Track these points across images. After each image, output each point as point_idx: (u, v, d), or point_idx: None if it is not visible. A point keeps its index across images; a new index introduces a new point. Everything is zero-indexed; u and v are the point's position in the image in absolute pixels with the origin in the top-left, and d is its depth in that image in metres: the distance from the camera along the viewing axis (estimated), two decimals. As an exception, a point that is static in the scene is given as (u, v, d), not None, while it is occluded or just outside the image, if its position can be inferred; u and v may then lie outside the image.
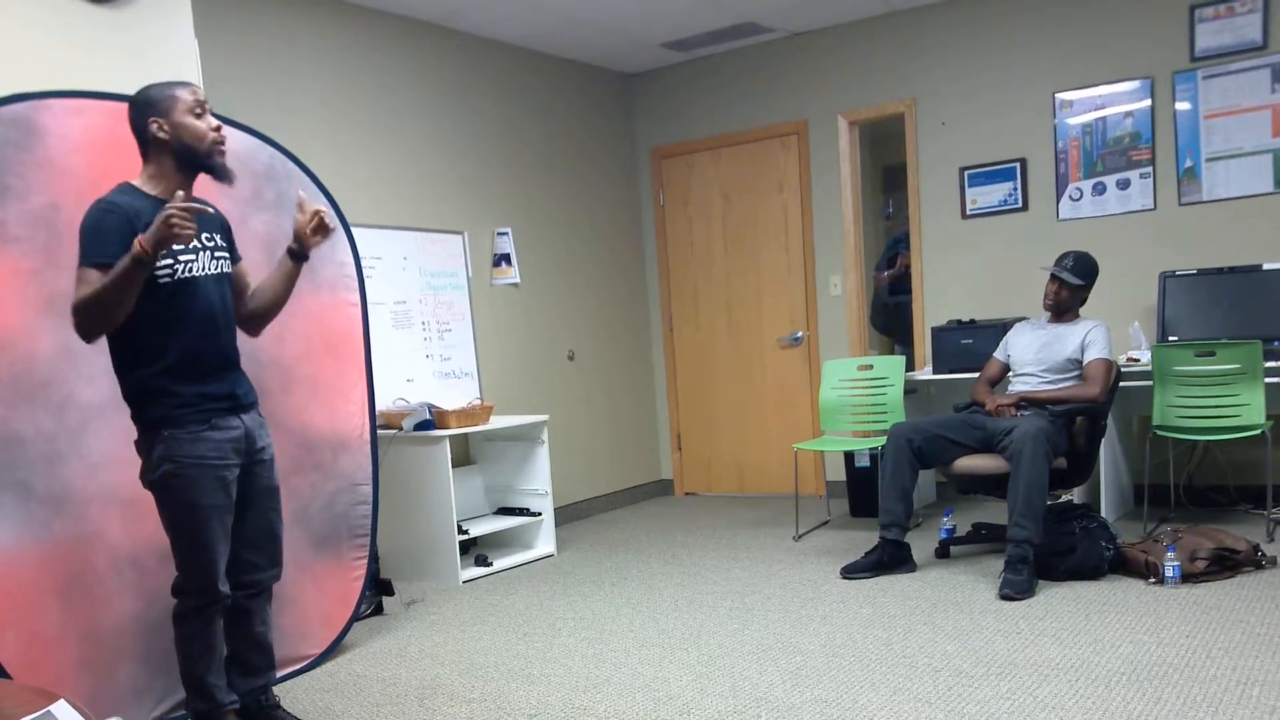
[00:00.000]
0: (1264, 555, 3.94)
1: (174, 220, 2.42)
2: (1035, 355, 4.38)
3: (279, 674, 3.23)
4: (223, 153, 2.72)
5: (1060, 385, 4.30)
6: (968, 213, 5.62)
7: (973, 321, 5.26)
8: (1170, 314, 4.91)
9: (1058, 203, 5.38)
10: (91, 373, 3.02)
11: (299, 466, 3.53)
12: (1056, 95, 5.33)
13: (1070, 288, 4.35)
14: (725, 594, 4.17)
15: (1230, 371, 4.36)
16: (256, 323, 2.98)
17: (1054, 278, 4.37)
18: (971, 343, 5.05)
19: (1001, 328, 4.83)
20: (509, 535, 5.21)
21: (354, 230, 3.96)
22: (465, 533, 4.80)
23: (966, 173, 5.60)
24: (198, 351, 2.71)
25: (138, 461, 2.79)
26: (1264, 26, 4.81)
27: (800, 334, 6.23)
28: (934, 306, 5.76)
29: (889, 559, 4.26)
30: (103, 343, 2.67)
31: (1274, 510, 4.56)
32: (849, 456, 5.58)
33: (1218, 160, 4.97)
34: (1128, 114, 5.16)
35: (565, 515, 5.93)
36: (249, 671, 2.97)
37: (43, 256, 2.95)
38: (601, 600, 4.22)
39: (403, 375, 5.00)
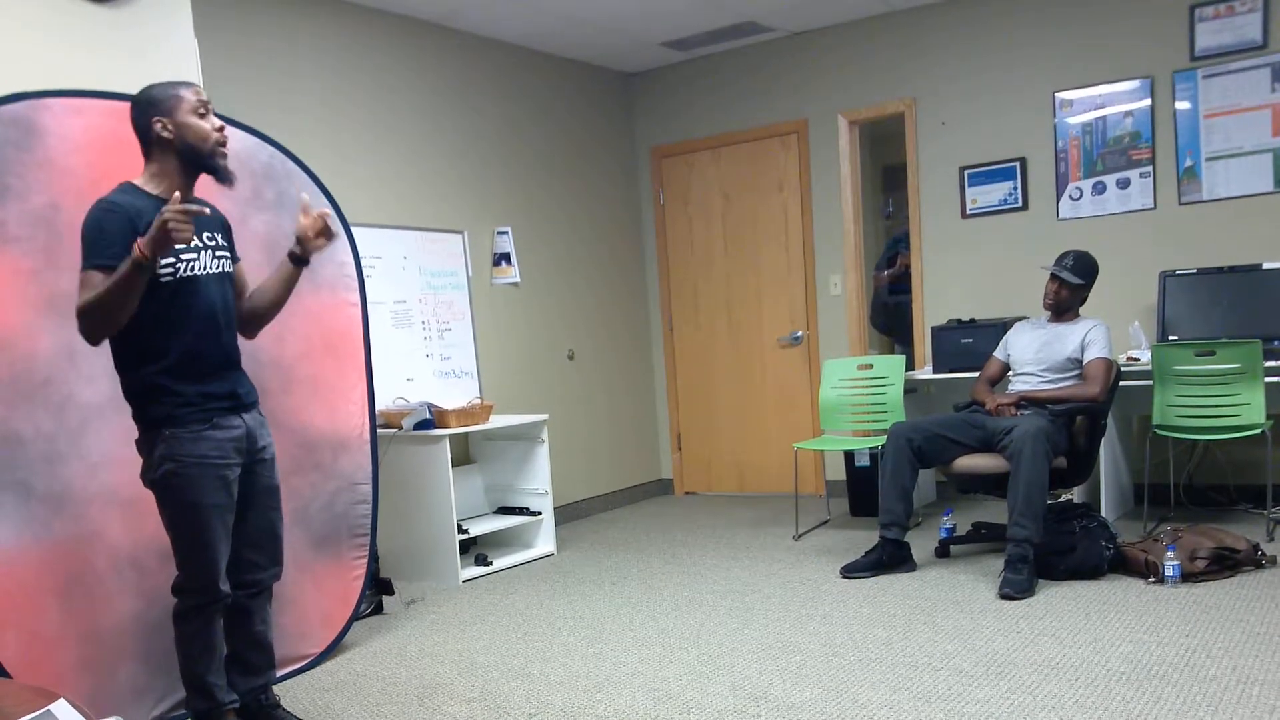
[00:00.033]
0: (1264, 555, 3.94)
1: (171, 224, 2.42)
2: (1035, 355, 4.38)
3: (279, 673, 3.24)
4: (225, 154, 2.73)
5: (1060, 385, 4.30)
6: (968, 212, 5.62)
7: (973, 321, 5.26)
8: (1170, 313, 4.91)
9: (1058, 202, 5.38)
10: (91, 372, 3.02)
11: (299, 466, 3.53)
12: (1056, 94, 5.33)
13: (1070, 287, 4.35)
14: (725, 593, 4.17)
15: (1230, 371, 4.36)
16: (253, 324, 2.98)
17: (1054, 277, 4.37)
18: (971, 342, 5.05)
19: (1001, 327, 4.83)
20: (509, 535, 5.21)
21: (354, 229, 3.96)
22: (465, 532, 4.80)
23: (966, 172, 5.60)
24: (199, 351, 2.71)
25: (138, 461, 2.79)
26: (1264, 26, 4.81)
27: (800, 333, 6.23)
28: (934, 306, 5.76)
29: (889, 558, 4.26)
30: (103, 343, 2.67)
31: (1274, 510, 4.56)
32: (849, 456, 5.58)
33: (1218, 160, 4.97)
34: (1128, 113, 5.16)
35: (565, 515, 5.93)
36: (249, 671, 2.97)
37: (43, 256, 2.95)
38: (601, 599, 4.22)
39: (403, 375, 5.00)
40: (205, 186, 2.81)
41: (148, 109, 2.66)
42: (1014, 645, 3.28)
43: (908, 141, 5.77)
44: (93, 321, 2.54)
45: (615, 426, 6.44)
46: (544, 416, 5.06)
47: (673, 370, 6.71)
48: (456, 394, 5.17)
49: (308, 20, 4.76)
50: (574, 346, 6.16)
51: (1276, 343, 4.57)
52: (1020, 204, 5.47)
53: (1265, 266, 4.74)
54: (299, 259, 2.93)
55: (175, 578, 2.78)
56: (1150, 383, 4.55)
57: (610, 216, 6.47)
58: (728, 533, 5.38)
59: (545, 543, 5.12)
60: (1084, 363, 4.28)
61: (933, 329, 5.29)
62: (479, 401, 5.01)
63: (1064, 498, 4.70)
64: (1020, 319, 4.85)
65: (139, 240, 2.46)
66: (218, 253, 2.79)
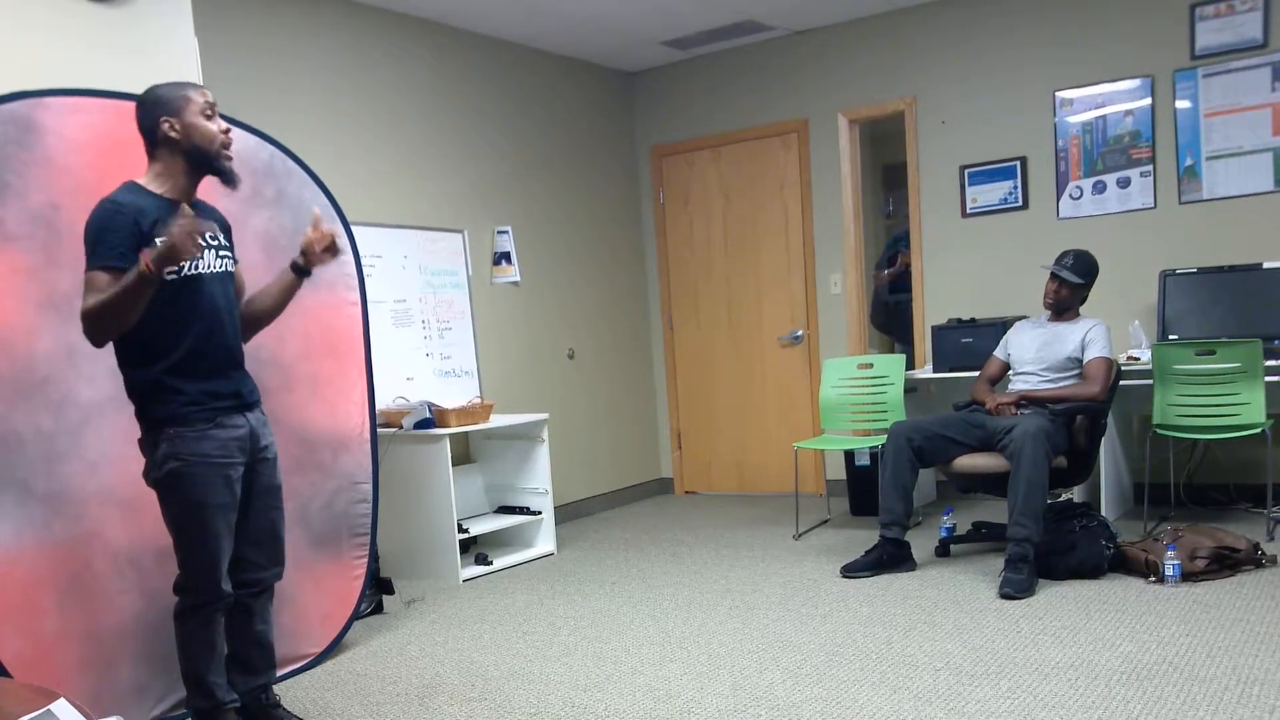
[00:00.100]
0: (1264, 554, 3.94)
1: (179, 243, 2.44)
2: (1035, 354, 4.38)
3: (279, 672, 3.23)
4: (230, 156, 2.74)
5: (1060, 384, 4.30)
6: (968, 211, 5.62)
7: (973, 320, 5.26)
8: (1170, 312, 4.91)
9: (1058, 201, 5.37)
10: (91, 371, 3.02)
11: (299, 465, 3.53)
12: (1057, 94, 5.33)
13: (1070, 286, 4.34)
14: (725, 593, 4.17)
15: (1230, 370, 4.36)
16: (249, 329, 2.98)
17: (1054, 276, 4.36)
18: (971, 341, 5.05)
19: (1001, 326, 4.83)
20: (509, 534, 5.21)
21: (354, 229, 3.96)
22: (465, 531, 4.80)
23: (967, 171, 5.60)
24: (203, 349, 2.71)
25: (137, 460, 2.78)
26: (1264, 25, 4.81)
27: (800, 332, 6.22)
28: (934, 305, 5.76)
29: (889, 558, 4.26)
30: (97, 347, 2.67)
31: (1274, 509, 4.56)
32: (849, 455, 5.58)
33: (1218, 159, 4.96)
34: (1128, 112, 5.15)
35: (565, 514, 5.93)
36: (250, 670, 2.97)
37: (42, 255, 2.95)
38: (602, 599, 4.22)
39: (403, 374, 5.00)
40: (205, 185, 2.81)
41: (155, 108, 2.66)
42: (1014, 644, 3.28)
43: (908, 140, 5.76)
44: (98, 326, 2.55)
45: (615, 426, 6.44)
46: (544, 416, 5.06)
47: (673, 369, 6.71)
48: (456, 393, 5.17)
49: (308, 19, 4.75)
50: (574, 346, 6.15)
51: (1277, 342, 4.57)
52: (1020, 203, 5.47)
53: (1265, 266, 4.73)
54: (301, 270, 2.94)
55: (177, 576, 2.78)
56: (1150, 382, 4.55)
57: (610, 215, 6.47)
58: (728, 532, 5.38)
59: (545, 542, 5.12)
60: (1084, 362, 4.27)
61: (933, 328, 5.29)
62: (479, 401, 5.01)
63: (1064, 497, 4.70)
64: (1020, 318, 4.85)
65: (145, 253, 2.47)
66: (220, 252, 2.80)
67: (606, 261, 6.42)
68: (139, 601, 3.09)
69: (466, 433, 4.90)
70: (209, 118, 2.69)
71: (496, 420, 4.95)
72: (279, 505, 2.96)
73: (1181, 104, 5.02)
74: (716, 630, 3.67)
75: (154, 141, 2.69)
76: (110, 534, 3.05)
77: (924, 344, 5.74)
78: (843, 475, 5.72)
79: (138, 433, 2.78)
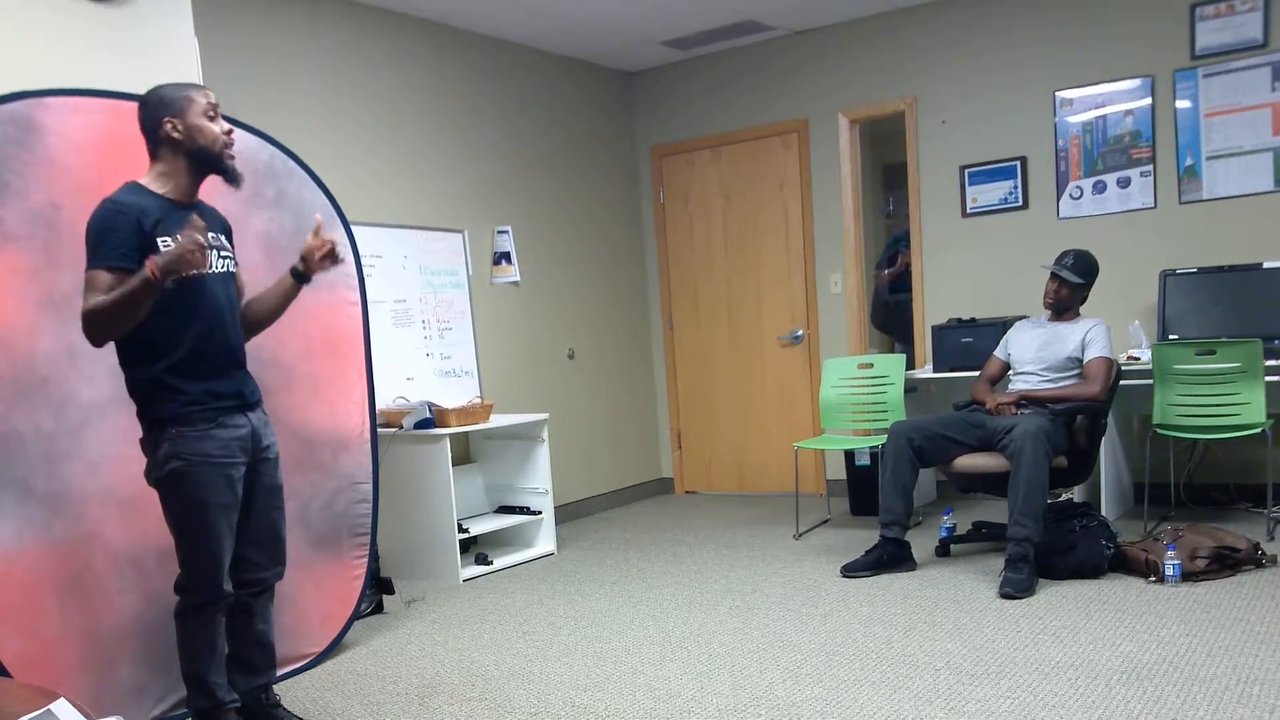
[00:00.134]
0: (1264, 554, 3.94)
1: (189, 255, 2.45)
2: (1035, 354, 4.38)
3: (279, 672, 3.23)
4: (233, 156, 2.76)
5: (1060, 384, 4.30)
6: (968, 211, 5.62)
7: (973, 320, 5.26)
8: (1170, 312, 4.91)
9: (1058, 201, 5.37)
10: (91, 371, 3.02)
11: (299, 465, 3.53)
12: (1057, 93, 5.33)
13: (1070, 286, 4.34)
14: (725, 592, 4.17)
15: (1230, 370, 4.36)
16: (247, 332, 2.97)
17: (1054, 276, 4.36)
18: (972, 341, 5.05)
19: (1002, 326, 4.83)
20: (509, 534, 5.21)
21: (354, 228, 3.96)
22: (465, 531, 4.80)
23: (967, 171, 5.60)
24: (205, 349, 2.72)
25: (137, 460, 2.78)
26: (1265, 25, 4.81)
27: (800, 332, 6.22)
28: (934, 305, 5.76)
29: (889, 557, 4.26)
30: (97, 347, 2.67)
31: (1274, 509, 4.56)
32: (849, 455, 5.58)
33: (1218, 159, 4.96)
34: (1128, 112, 5.15)
35: (565, 514, 5.93)
36: (250, 670, 2.97)
37: (42, 255, 2.95)
38: (602, 599, 4.22)
39: (403, 374, 5.00)
40: (206, 186, 2.82)
41: (158, 109, 2.67)
42: (1014, 644, 3.28)
43: (908, 140, 5.76)
44: (98, 327, 2.56)
45: (615, 425, 6.44)
46: (544, 416, 5.06)
47: (673, 369, 6.71)
48: (457, 393, 5.17)
49: (308, 19, 4.75)
50: (574, 345, 6.15)
51: (1277, 342, 4.57)
52: (1021, 203, 5.47)
53: (1266, 265, 4.73)
54: (301, 276, 2.95)
55: (178, 576, 2.78)
56: (1150, 382, 4.55)
57: (610, 215, 6.47)
58: (728, 532, 5.38)
59: (545, 542, 5.12)
60: (1084, 362, 4.27)
61: (933, 328, 5.29)
62: (479, 401, 5.01)
63: (1064, 497, 4.70)
64: (1020, 318, 4.85)
65: (151, 260, 2.47)
66: (222, 252, 2.80)
67: (606, 261, 6.42)
68: (139, 602, 3.09)
69: (466, 433, 4.90)
70: (211, 119, 2.71)
71: (496, 420, 4.95)
72: (280, 505, 2.96)
73: (1182, 104, 5.02)
74: (717, 630, 3.67)
75: (156, 142, 2.70)
76: (110, 534, 3.05)
77: (924, 344, 5.74)
78: (843, 475, 5.72)
79: (138, 433, 2.78)
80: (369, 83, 5.02)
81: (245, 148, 3.43)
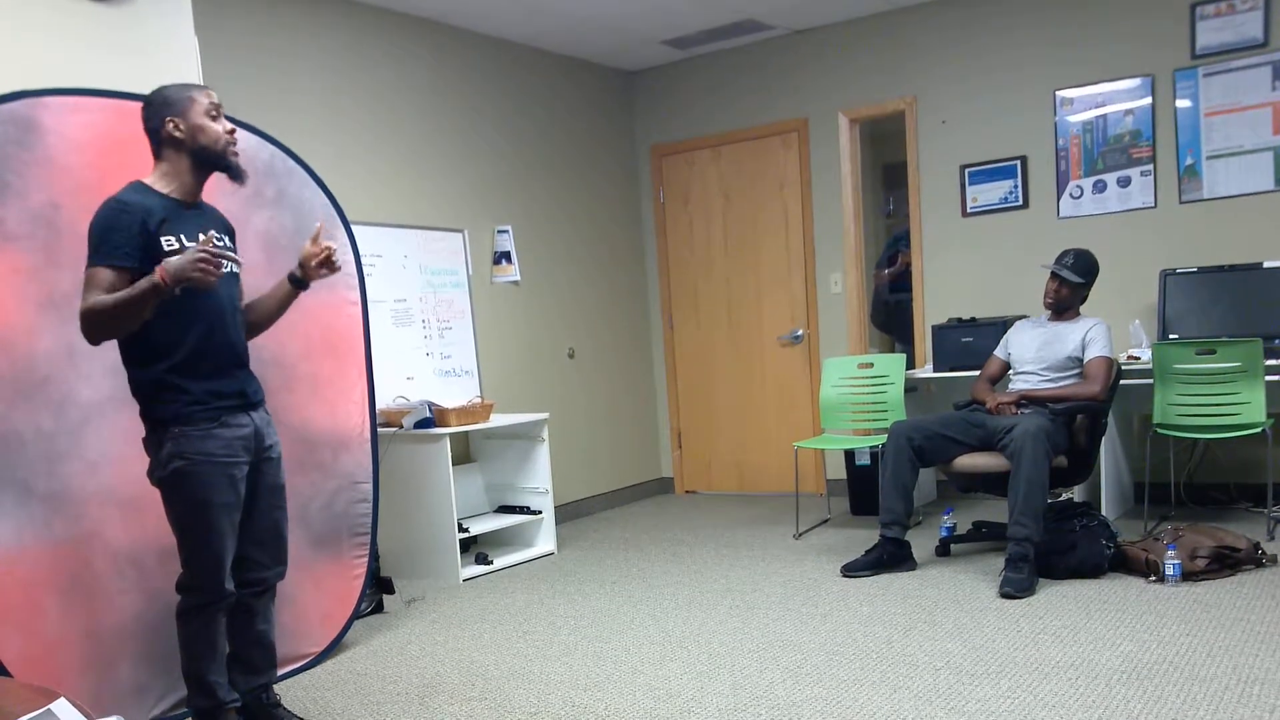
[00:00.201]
0: (1264, 553, 3.94)
1: (204, 265, 2.47)
2: (1036, 353, 4.38)
3: (279, 672, 3.23)
4: (236, 154, 2.77)
5: (1061, 383, 4.30)
6: (968, 210, 5.62)
7: (973, 319, 5.26)
8: (1171, 312, 4.91)
9: (1058, 200, 5.37)
10: (91, 371, 3.02)
11: (300, 465, 3.53)
12: (1057, 93, 5.32)
13: (1071, 286, 4.34)
14: (725, 592, 4.17)
15: (1231, 369, 4.36)
16: (245, 334, 2.99)
17: (1054, 276, 4.36)
18: (972, 341, 5.05)
19: (1002, 326, 4.83)
20: (509, 533, 5.21)
21: (354, 228, 3.96)
22: (465, 531, 4.80)
23: (967, 170, 5.60)
24: (208, 349, 2.72)
25: (137, 460, 2.78)
26: (1265, 24, 4.81)
27: (800, 332, 6.22)
28: (934, 304, 5.76)
29: (889, 557, 4.26)
30: (106, 343, 2.67)
31: (1274, 508, 4.56)
32: (849, 455, 5.58)
33: (1218, 158, 4.96)
34: (1128, 112, 5.15)
35: (565, 513, 5.93)
36: (251, 670, 2.97)
37: (42, 255, 2.95)
38: (602, 598, 4.22)
39: (403, 373, 5.00)
40: (208, 187, 2.82)
41: (161, 109, 2.69)
42: (1014, 644, 3.28)
43: (908, 140, 5.76)
44: (98, 326, 2.56)
45: (615, 425, 6.44)
46: (544, 415, 5.06)
47: (673, 369, 6.71)
48: (457, 393, 5.17)
49: (308, 19, 4.75)
50: (574, 345, 6.15)
51: (1277, 341, 4.57)
52: (1021, 202, 5.47)
53: (1266, 265, 4.73)
54: (299, 282, 2.96)
55: (180, 575, 2.78)
56: (1151, 381, 4.55)
57: (610, 215, 6.47)
58: (728, 532, 5.38)
59: (546, 542, 5.12)
60: (1084, 361, 4.27)
61: (933, 327, 5.29)
62: (479, 400, 5.01)
63: (1064, 497, 4.70)
64: (1021, 318, 4.84)
65: (163, 267, 2.48)
66: (226, 256, 2.80)
67: (606, 261, 6.42)
68: (139, 601, 3.09)
69: (466, 432, 4.90)
70: (214, 118, 2.72)
71: (496, 420, 4.95)
72: (283, 505, 2.96)
73: (1182, 103, 5.02)
74: (716, 630, 3.67)
75: (159, 142, 2.72)
76: (110, 534, 3.05)
77: (924, 343, 5.74)
78: (843, 475, 5.72)
79: (138, 433, 2.78)
80: (369, 83, 5.02)
81: (245, 147, 3.42)
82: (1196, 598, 3.61)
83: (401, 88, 5.18)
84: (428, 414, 4.65)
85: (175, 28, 3.43)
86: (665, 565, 4.72)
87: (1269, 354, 4.39)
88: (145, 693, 3.10)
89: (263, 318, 3.00)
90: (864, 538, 4.80)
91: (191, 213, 2.74)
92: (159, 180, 2.71)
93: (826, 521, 5.47)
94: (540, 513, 5.10)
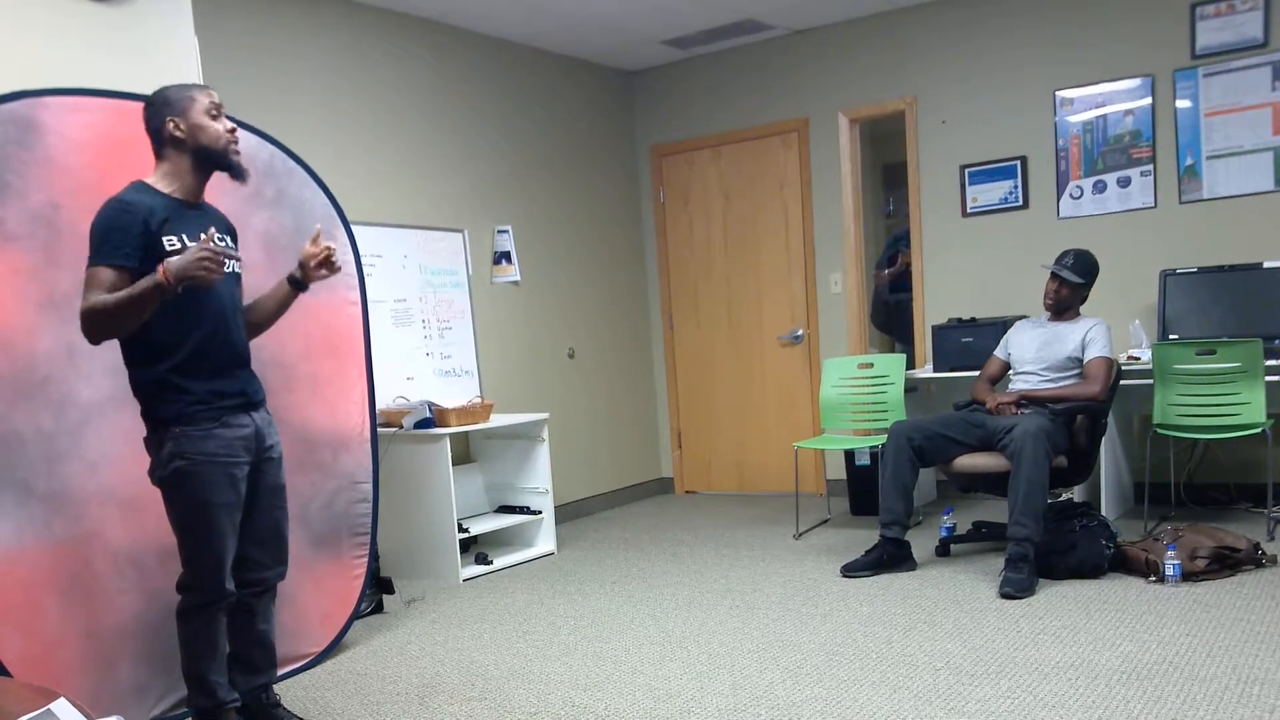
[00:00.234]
0: (1264, 554, 3.94)
1: (206, 264, 2.47)
2: (1036, 354, 4.38)
3: (279, 672, 3.23)
4: (238, 152, 2.78)
5: (1061, 383, 4.30)
6: (968, 210, 5.62)
7: (973, 320, 5.26)
8: (1171, 312, 4.91)
9: (1058, 201, 5.37)
10: (90, 371, 3.02)
11: (300, 465, 3.53)
12: (1057, 93, 5.32)
13: (1071, 286, 4.34)
14: (725, 592, 4.17)
15: (1231, 370, 4.36)
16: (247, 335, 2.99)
17: (1054, 276, 4.36)
18: (972, 341, 5.05)
19: (1002, 326, 4.83)
20: (509, 533, 5.21)
21: (354, 228, 3.96)
22: (465, 531, 4.80)
23: (967, 170, 5.60)
24: (210, 348, 2.72)
25: (137, 460, 2.79)
26: (1265, 24, 4.81)
27: (800, 332, 6.22)
28: (934, 304, 5.76)
29: (889, 557, 4.26)
30: (103, 343, 2.67)
31: (1274, 509, 4.56)
32: (849, 455, 5.58)
33: (1218, 158, 4.96)
34: (1128, 112, 5.15)
35: (565, 513, 5.93)
36: (251, 670, 2.97)
37: (42, 255, 2.95)
38: (602, 598, 4.22)
39: (403, 373, 5.00)
40: (209, 187, 2.82)
41: (162, 109, 2.70)
42: (1014, 644, 3.28)
43: (908, 140, 5.76)
44: (99, 326, 2.56)
45: (615, 425, 6.44)
46: (544, 415, 5.06)
47: (673, 369, 6.71)
48: (457, 393, 5.17)
49: (308, 19, 4.75)
50: (574, 345, 6.15)
51: (1277, 342, 4.57)
52: (1021, 203, 5.47)
53: (1266, 265, 4.73)
54: (298, 283, 2.96)
55: (180, 575, 2.78)
56: (1151, 382, 4.55)
57: (610, 215, 6.47)
58: (728, 532, 5.38)
59: (545, 542, 5.12)
60: (1084, 362, 4.27)
61: (933, 328, 5.29)
62: (479, 400, 5.01)
63: (1064, 497, 4.70)
64: (1021, 318, 4.85)
65: (164, 265, 2.48)
66: (228, 255, 2.81)
67: (606, 261, 6.42)
68: (139, 601, 3.09)
69: (466, 432, 4.90)
70: (214, 117, 2.72)
71: (496, 420, 4.95)
72: (283, 505, 2.96)
73: (1182, 103, 5.02)
74: (716, 630, 3.67)
75: (160, 142, 2.72)
76: (110, 534, 3.05)
77: (924, 343, 5.74)
78: (843, 475, 5.72)
79: (138, 432, 2.78)
80: (369, 83, 5.02)
81: (245, 147, 3.41)
82: (1196, 598, 3.61)
83: (401, 88, 5.18)
84: (428, 414, 4.65)
85: (175, 28, 3.43)
86: (665, 565, 4.72)
87: (1269, 354, 4.39)
88: (145, 693, 3.10)
89: (263, 318, 3.01)
90: (864, 538, 4.80)
91: (193, 213, 2.74)
92: (161, 180, 2.72)
93: (826, 522, 5.47)
94: (540, 513, 5.10)
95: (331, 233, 3.68)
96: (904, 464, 4.24)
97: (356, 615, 3.78)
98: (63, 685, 2.87)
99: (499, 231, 5.64)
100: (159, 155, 2.73)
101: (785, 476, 6.29)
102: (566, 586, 4.46)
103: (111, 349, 2.74)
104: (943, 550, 4.52)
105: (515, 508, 5.18)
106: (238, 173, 2.78)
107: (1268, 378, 4.35)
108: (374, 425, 3.80)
